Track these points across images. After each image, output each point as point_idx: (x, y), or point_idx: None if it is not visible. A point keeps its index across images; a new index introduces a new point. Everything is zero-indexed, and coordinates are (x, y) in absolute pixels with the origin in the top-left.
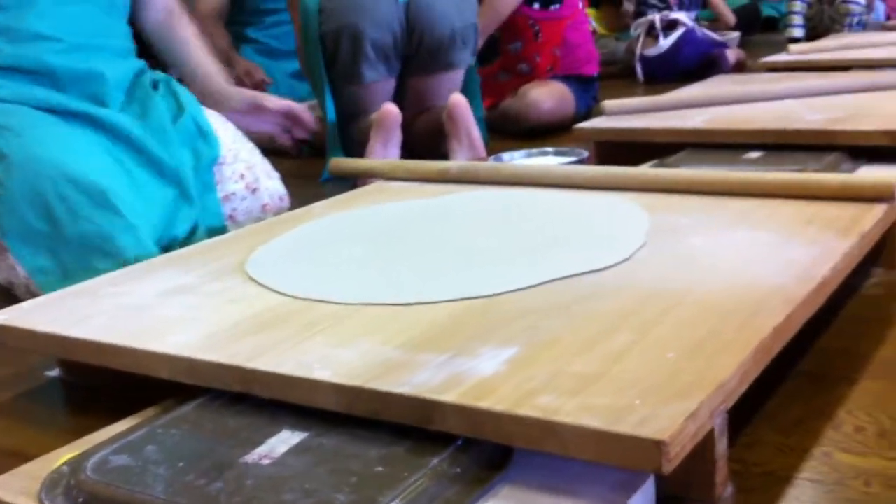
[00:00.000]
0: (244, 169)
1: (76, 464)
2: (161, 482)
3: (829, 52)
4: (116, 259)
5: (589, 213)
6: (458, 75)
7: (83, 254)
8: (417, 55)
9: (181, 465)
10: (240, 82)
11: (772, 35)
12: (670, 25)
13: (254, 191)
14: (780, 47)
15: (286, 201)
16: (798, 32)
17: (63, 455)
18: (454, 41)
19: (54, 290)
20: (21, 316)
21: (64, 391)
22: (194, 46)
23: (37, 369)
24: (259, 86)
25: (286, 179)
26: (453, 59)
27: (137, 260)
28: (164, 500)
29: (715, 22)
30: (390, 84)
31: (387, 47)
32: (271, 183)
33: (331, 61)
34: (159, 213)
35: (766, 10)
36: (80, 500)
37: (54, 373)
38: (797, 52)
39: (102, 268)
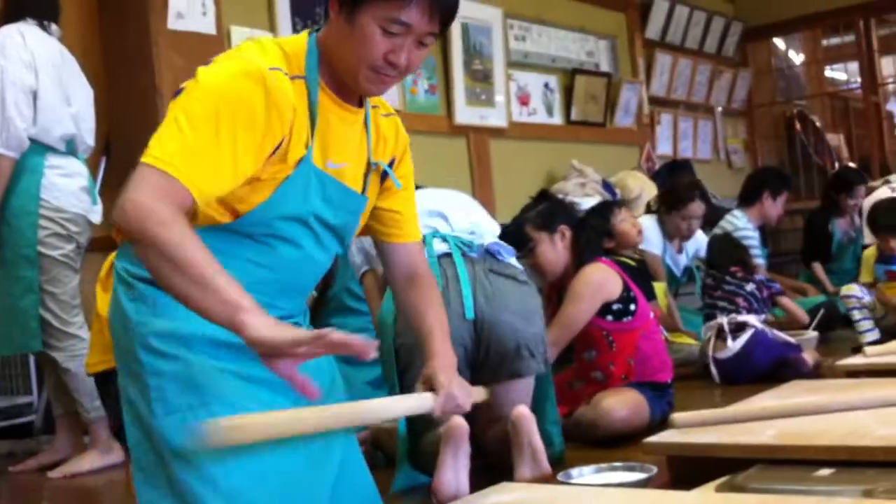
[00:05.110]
0: None
1: None
2: None
3: None
4: None
5: None
6: (525, 384)
7: None
8: (484, 365)
9: None
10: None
11: (852, 332)
12: (739, 328)
13: None
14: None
15: None
16: (871, 336)
17: None
18: (519, 352)
19: None
20: None
21: None
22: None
23: None
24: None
25: None
26: (519, 369)
27: None
28: None
29: (790, 323)
30: None
31: (458, 359)
32: None
33: (404, 371)
34: None
35: (845, 308)
36: None
37: None
38: (874, 353)
39: None
